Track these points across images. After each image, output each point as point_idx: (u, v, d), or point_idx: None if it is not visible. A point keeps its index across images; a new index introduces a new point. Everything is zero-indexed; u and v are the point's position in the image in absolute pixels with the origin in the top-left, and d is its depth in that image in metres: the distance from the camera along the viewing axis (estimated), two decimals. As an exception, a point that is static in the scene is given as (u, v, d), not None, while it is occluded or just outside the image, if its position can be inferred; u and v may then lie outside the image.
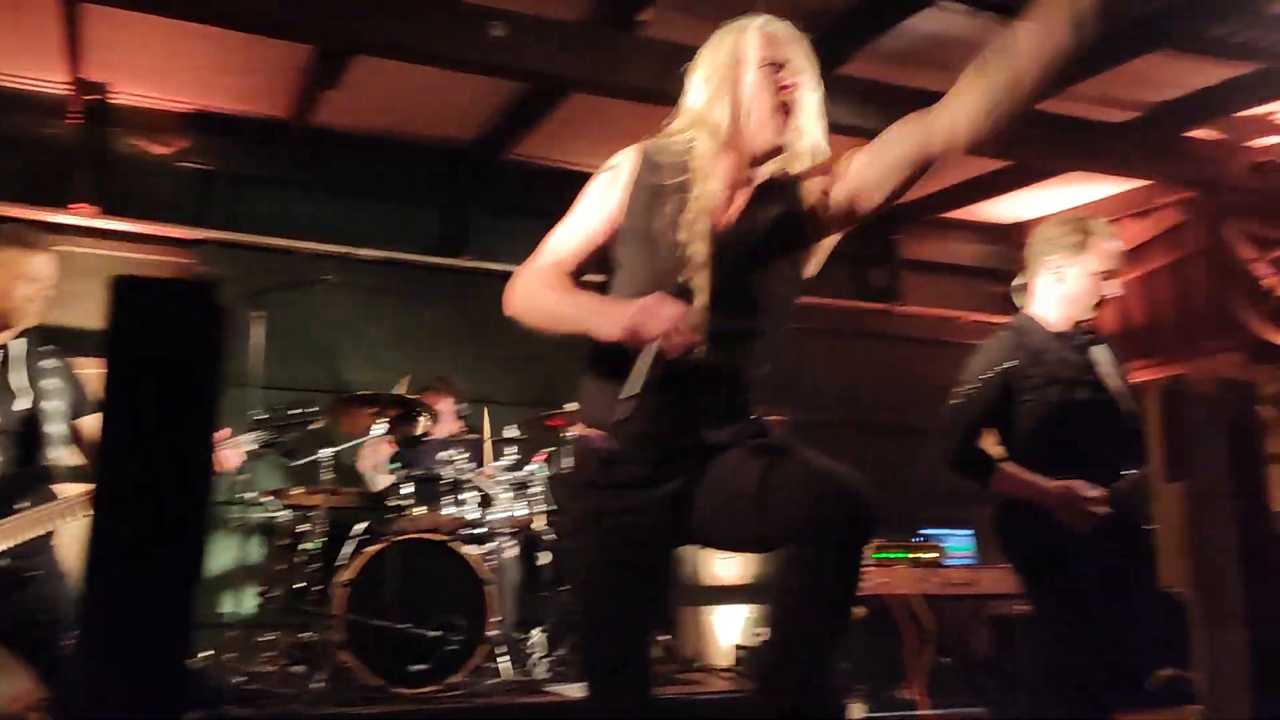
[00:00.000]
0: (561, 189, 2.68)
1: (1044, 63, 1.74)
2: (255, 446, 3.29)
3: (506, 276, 2.06)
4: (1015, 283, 3.13)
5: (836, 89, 5.05)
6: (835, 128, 5.27)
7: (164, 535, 1.14)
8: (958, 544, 5.57)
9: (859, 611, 5.17)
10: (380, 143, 6.18)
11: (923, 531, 5.46)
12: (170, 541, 1.14)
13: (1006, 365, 2.93)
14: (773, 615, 1.83)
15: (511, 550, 4.87)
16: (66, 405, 2.99)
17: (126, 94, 5.71)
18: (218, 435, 2.84)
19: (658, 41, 4.52)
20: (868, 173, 1.97)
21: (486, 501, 4.71)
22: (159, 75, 5.51)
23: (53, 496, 2.89)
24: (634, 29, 4.57)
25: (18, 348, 2.98)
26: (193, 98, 5.80)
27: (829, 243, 2.08)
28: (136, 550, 1.15)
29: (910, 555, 5.17)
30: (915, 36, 4.83)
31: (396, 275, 6.11)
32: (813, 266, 2.09)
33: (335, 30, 4.22)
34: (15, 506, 2.80)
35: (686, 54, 4.26)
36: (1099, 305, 2.98)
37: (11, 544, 2.76)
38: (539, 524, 4.85)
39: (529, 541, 4.96)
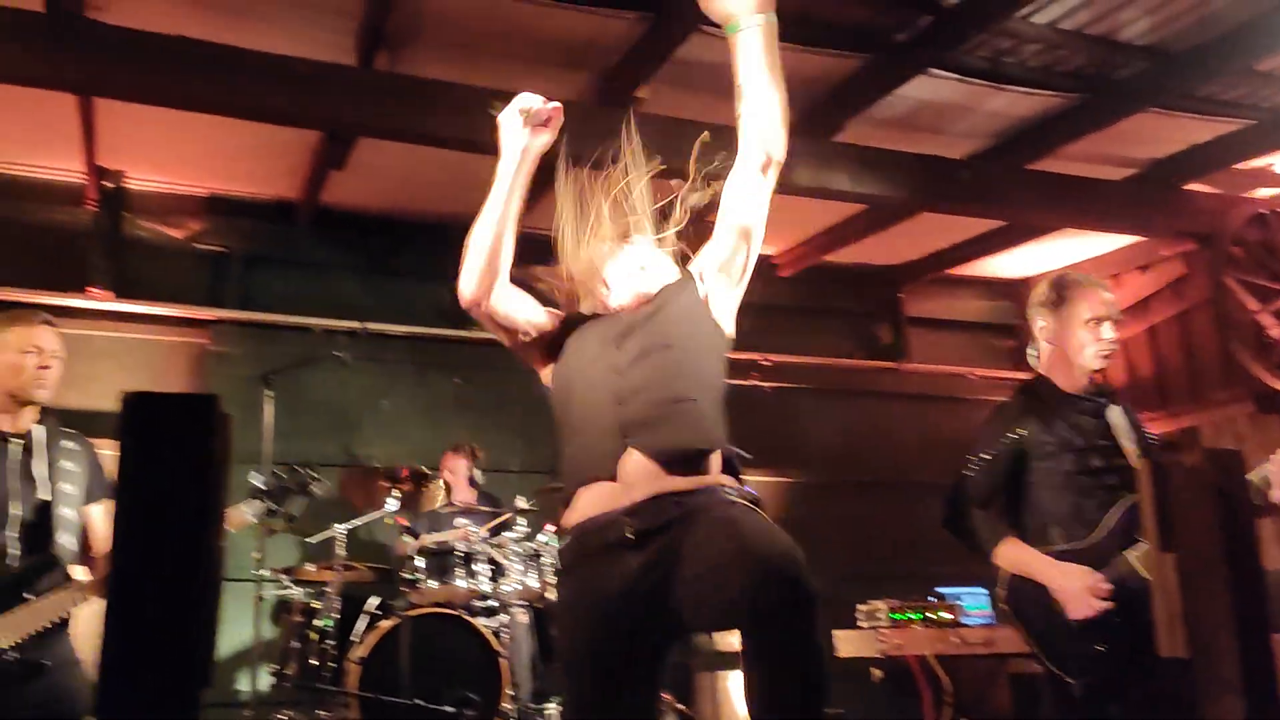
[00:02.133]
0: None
1: (768, 65, 2.26)
2: (252, 516, 3.30)
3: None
4: (1029, 351, 3.13)
5: (832, 156, 5.18)
6: (833, 193, 5.37)
7: (175, 626, 1.20)
8: (974, 603, 5.54)
9: (876, 674, 5.15)
10: (388, 220, 6.30)
11: (938, 590, 5.43)
12: (181, 629, 1.19)
13: (1018, 433, 2.92)
14: (749, 709, 1.84)
15: (524, 621, 4.87)
16: (80, 491, 3.02)
17: (141, 180, 5.86)
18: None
19: (654, 116, 4.63)
20: (726, 223, 2.32)
21: (499, 573, 4.72)
22: (172, 161, 5.65)
23: (63, 583, 2.89)
24: (630, 105, 4.68)
25: (39, 434, 3.02)
26: (205, 181, 5.94)
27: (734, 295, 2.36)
28: (149, 641, 1.21)
29: (925, 615, 5.13)
30: (908, 103, 4.93)
31: (408, 349, 6.19)
32: (728, 325, 2.34)
33: (341, 118, 4.34)
34: (25, 595, 2.80)
35: (682, 126, 4.40)
36: (1105, 355, 2.96)
37: (21, 636, 2.76)
38: (551, 594, 4.85)
39: (541, 612, 4.95)
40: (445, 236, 6.36)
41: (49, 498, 2.96)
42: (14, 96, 4.37)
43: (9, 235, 5.61)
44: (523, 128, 2.28)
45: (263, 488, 3.48)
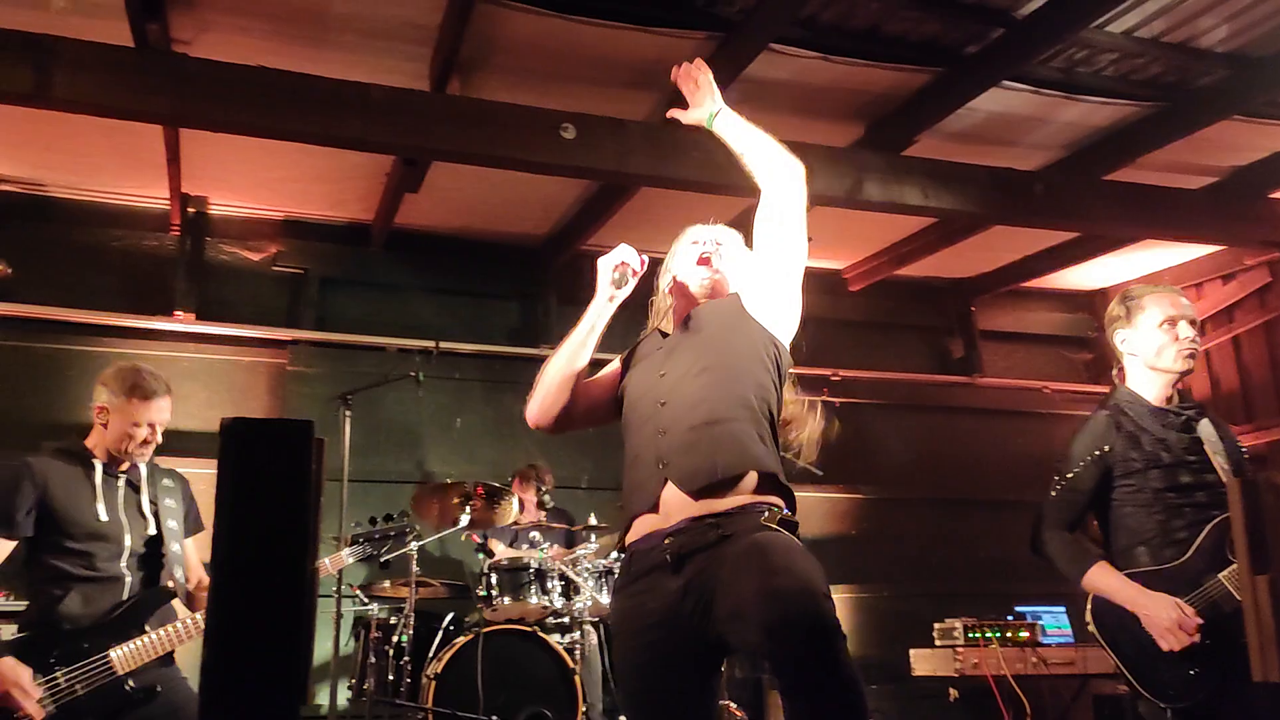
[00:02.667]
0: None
1: (746, 141, 2.44)
2: (352, 561, 3.54)
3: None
4: (1114, 370, 3.07)
5: (903, 170, 5.15)
6: (904, 208, 5.33)
7: (273, 644, 1.24)
8: (1054, 622, 5.43)
9: (952, 693, 5.07)
10: (460, 240, 6.40)
11: (1017, 609, 5.33)
12: (278, 648, 1.23)
13: (1102, 449, 2.86)
14: None
15: (596, 638, 4.89)
16: (180, 526, 3.18)
17: (222, 205, 6.04)
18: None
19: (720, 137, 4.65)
20: (762, 252, 2.38)
21: (572, 589, 4.75)
22: (252, 186, 5.81)
23: (174, 615, 3.08)
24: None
25: (143, 472, 3.19)
26: (283, 205, 6.10)
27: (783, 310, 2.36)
28: (248, 658, 1.25)
29: (1003, 634, 5.05)
30: (980, 116, 4.87)
31: (479, 367, 6.29)
32: (779, 329, 2.34)
33: (415, 143, 4.42)
34: (145, 627, 2.99)
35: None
36: (1189, 355, 2.87)
37: (139, 664, 2.94)
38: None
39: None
40: (516, 256, 6.55)
41: (158, 532, 3.13)
42: (106, 128, 4.55)
43: (101, 261, 5.83)
44: (614, 284, 2.34)
45: (363, 536, 3.80)
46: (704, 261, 2.41)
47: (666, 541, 2.08)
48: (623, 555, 2.24)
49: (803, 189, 2.36)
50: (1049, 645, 5.08)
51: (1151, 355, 2.89)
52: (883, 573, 6.66)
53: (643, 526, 2.16)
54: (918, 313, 7.34)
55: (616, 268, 2.33)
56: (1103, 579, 2.78)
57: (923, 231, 6.23)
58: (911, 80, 4.66)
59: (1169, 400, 2.91)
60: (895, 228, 6.21)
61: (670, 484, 2.11)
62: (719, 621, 1.99)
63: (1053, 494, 2.90)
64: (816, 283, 2.45)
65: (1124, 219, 5.38)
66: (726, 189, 4.65)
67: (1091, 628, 2.84)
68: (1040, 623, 5.19)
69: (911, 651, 5.13)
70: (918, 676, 5.11)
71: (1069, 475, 2.88)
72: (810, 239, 2.42)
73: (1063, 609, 5.43)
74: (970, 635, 5.00)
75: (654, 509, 2.13)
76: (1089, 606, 2.85)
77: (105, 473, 3.09)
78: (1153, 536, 2.78)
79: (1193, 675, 2.63)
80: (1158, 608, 2.66)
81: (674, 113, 2.57)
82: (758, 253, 2.38)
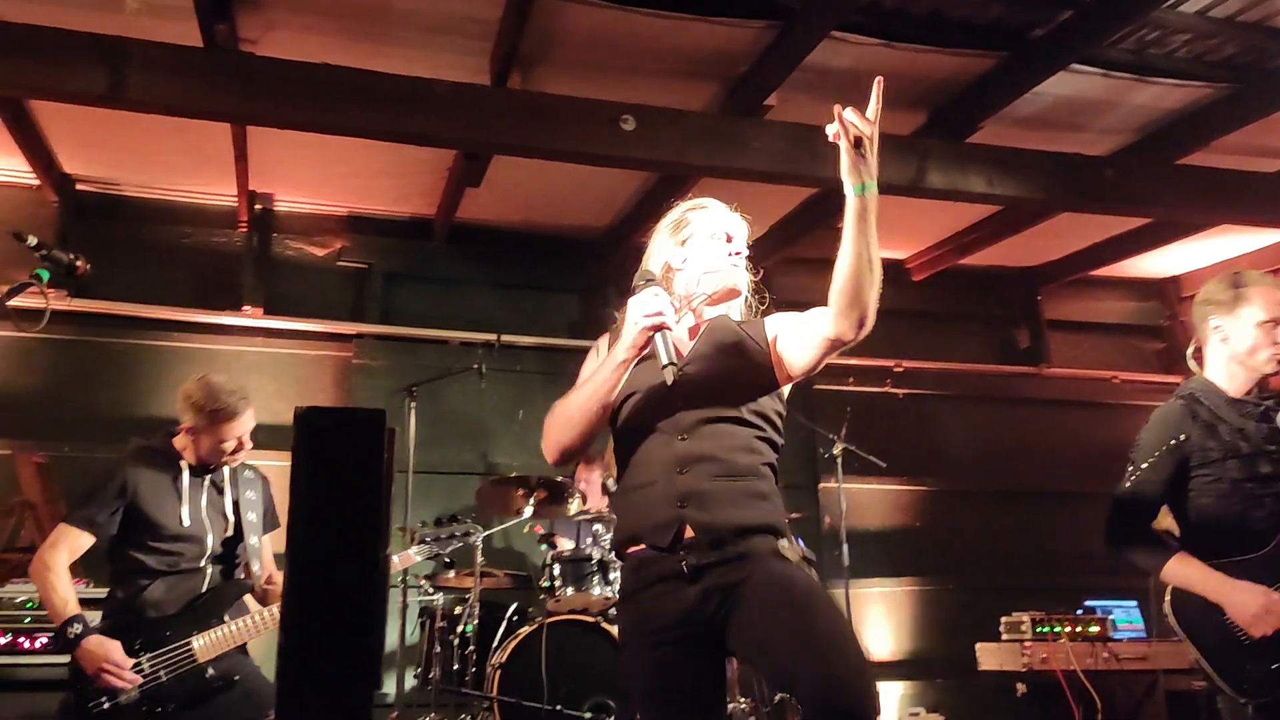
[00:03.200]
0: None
1: (853, 235, 2.00)
2: (420, 559, 3.79)
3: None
4: (1189, 351, 3.00)
5: (967, 158, 5.06)
6: (968, 196, 5.23)
7: (348, 630, 1.26)
8: (1125, 616, 5.32)
9: (1020, 689, 4.99)
10: (521, 234, 6.44)
11: (1086, 603, 5.23)
12: (353, 634, 1.26)
13: (1179, 439, 2.79)
14: None
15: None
16: (259, 519, 3.28)
17: (288, 201, 6.15)
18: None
19: (782, 124, 4.61)
20: (792, 341, 2.23)
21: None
22: (316, 183, 5.91)
23: (247, 608, 3.21)
24: (760, 113, 4.67)
25: (226, 471, 3.31)
26: (347, 201, 6.18)
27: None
28: (323, 644, 1.28)
29: (1072, 629, 4.96)
30: (1047, 101, 4.78)
31: (541, 360, 6.32)
32: (786, 386, 2.30)
33: (477, 138, 4.45)
34: (224, 618, 3.12)
35: (809, 133, 4.28)
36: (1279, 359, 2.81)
37: (218, 653, 3.07)
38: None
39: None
40: (576, 249, 6.57)
41: (240, 530, 3.26)
42: (176, 127, 4.65)
43: (172, 257, 5.96)
44: (635, 347, 2.13)
45: (429, 537, 4.00)
46: (735, 255, 2.32)
47: (681, 552, 2.09)
48: (622, 560, 2.24)
49: (848, 340, 2.11)
50: (1120, 640, 4.98)
51: (1244, 351, 2.82)
52: (948, 566, 6.59)
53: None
54: (982, 302, 7.23)
55: (653, 328, 2.09)
56: (1183, 570, 2.72)
57: (987, 220, 6.13)
58: (976, 65, 4.58)
59: (1248, 392, 2.84)
60: (959, 216, 6.12)
61: (688, 525, 2.11)
62: (739, 629, 2.03)
63: (1127, 485, 2.84)
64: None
65: (1198, 204, 5.24)
66: (787, 179, 4.62)
67: (1171, 620, 2.77)
68: (1111, 617, 5.08)
69: (978, 645, 5.07)
70: (984, 671, 5.04)
71: (1144, 465, 2.81)
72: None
73: (1134, 603, 5.32)
74: (1039, 630, 4.92)
75: (666, 545, 2.12)
76: (1168, 599, 2.78)
77: (192, 474, 3.19)
78: (1231, 528, 2.71)
79: (1277, 669, 2.57)
80: (1244, 595, 2.60)
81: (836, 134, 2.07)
82: (806, 335, 2.20)
